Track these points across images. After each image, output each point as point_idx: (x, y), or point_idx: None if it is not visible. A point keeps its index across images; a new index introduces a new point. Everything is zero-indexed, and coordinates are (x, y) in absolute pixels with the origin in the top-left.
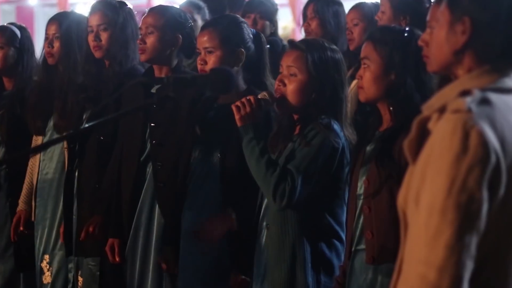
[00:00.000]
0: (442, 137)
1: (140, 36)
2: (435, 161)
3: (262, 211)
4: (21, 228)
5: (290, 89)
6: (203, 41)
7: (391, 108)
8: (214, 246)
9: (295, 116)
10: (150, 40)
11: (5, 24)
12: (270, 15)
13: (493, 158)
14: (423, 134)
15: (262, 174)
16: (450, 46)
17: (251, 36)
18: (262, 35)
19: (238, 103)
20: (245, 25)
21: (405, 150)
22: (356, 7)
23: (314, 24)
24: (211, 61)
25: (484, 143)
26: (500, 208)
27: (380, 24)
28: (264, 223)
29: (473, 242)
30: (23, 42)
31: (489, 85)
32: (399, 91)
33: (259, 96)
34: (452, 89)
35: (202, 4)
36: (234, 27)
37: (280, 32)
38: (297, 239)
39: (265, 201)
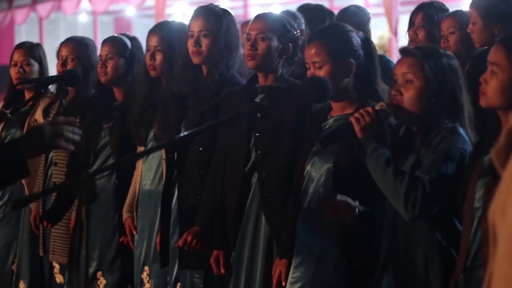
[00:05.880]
0: None
1: (239, 45)
2: None
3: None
4: (135, 232)
5: (408, 96)
6: (311, 55)
7: None
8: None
9: (414, 128)
10: (262, 47)
11: (116, 34)
12: (363, 24)
13: None
14: None
15: (390, 183)
16: None
17: (359, 42)
18: (371, 40)
19: (357, 114)
20: (353, 33)
21: (494, 159)
22: (453, 15)
23: (421, 34)
24: (321, 75)
25: None
26: None
27: (473, 36)
28: (388, 237)
29: None
30: (133, 53)
31: None
32: None
33: (377, 107)
34: None
35: (298, 13)
36: (341, 37)
37: (376, 41)
38: (428, 251)
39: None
